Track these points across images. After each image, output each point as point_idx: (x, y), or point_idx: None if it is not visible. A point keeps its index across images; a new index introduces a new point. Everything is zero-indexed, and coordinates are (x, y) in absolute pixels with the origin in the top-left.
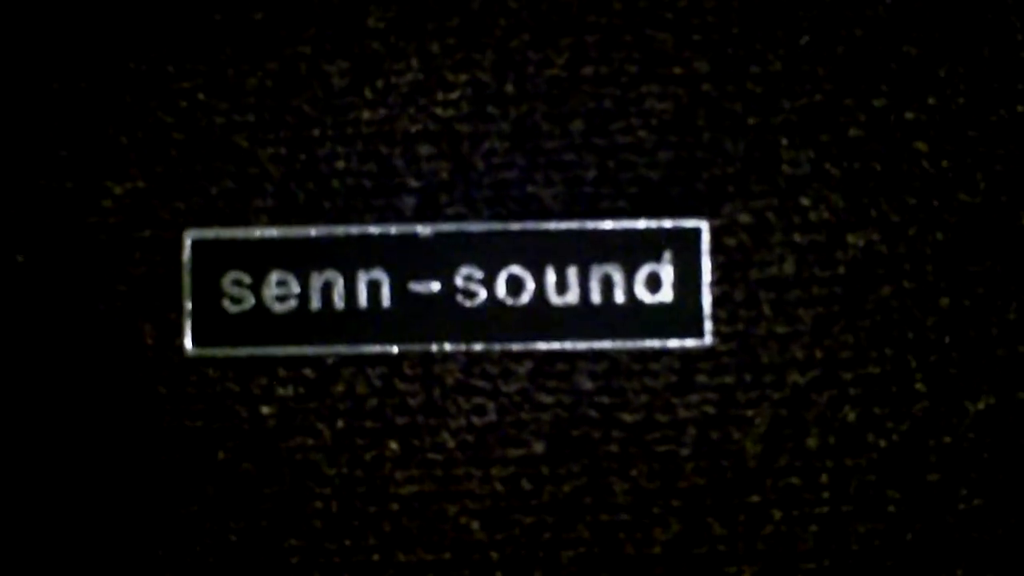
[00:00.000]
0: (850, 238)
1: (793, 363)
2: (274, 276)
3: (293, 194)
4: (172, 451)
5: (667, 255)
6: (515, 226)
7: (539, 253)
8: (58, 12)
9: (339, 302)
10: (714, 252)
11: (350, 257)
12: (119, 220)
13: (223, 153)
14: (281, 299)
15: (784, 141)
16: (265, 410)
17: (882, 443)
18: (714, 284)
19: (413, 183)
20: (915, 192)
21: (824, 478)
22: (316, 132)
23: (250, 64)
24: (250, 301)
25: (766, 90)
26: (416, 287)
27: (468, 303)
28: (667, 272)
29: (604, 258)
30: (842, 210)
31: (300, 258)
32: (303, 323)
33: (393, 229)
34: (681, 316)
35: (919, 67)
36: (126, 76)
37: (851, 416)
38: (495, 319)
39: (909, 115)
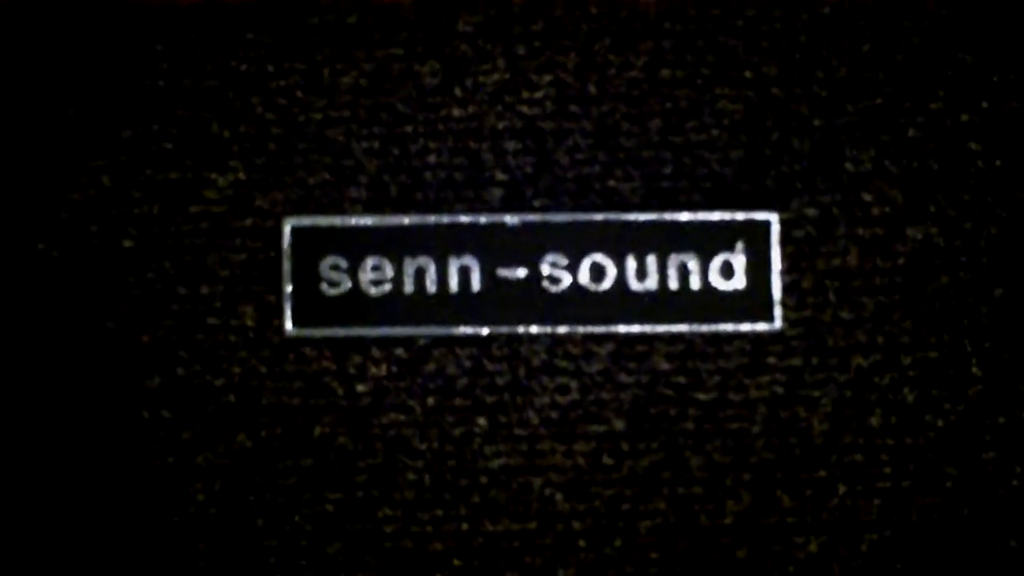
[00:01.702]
0: (909, 231)
1: (857, 347)
2: (370, 261)
3: (387, 185)
4: (271, 427)
5: (740, 245)
6: (598, 217)
7: (620, 242)
8: (163, 12)
9: (431, 286)
10: (783, 243)
11: (442, 244)
12: (222, 209)
13: (320, 147)
14: (376, 283)
15: (847, 141)
16: (360, 388)
17: (940, 423)
18: (783, 273)
19: (500, 176)
20: (970, 189)
21: (885, 455)
22: (408, 128)
23: (345, 64)
24: (347, 285)
25: (830, 93)
26: (504, 273)
27: (553, 288)
28: (740, 261)
29: (681, 247)
30: (901, 205)
31: (394, 244)
32: (397, 306)
33: (482, 218)
34: (752, 302)
35: (974, 73)
36: (228, 74)
37: (911, 397)
38: (578, 303)
39: (964, 117)
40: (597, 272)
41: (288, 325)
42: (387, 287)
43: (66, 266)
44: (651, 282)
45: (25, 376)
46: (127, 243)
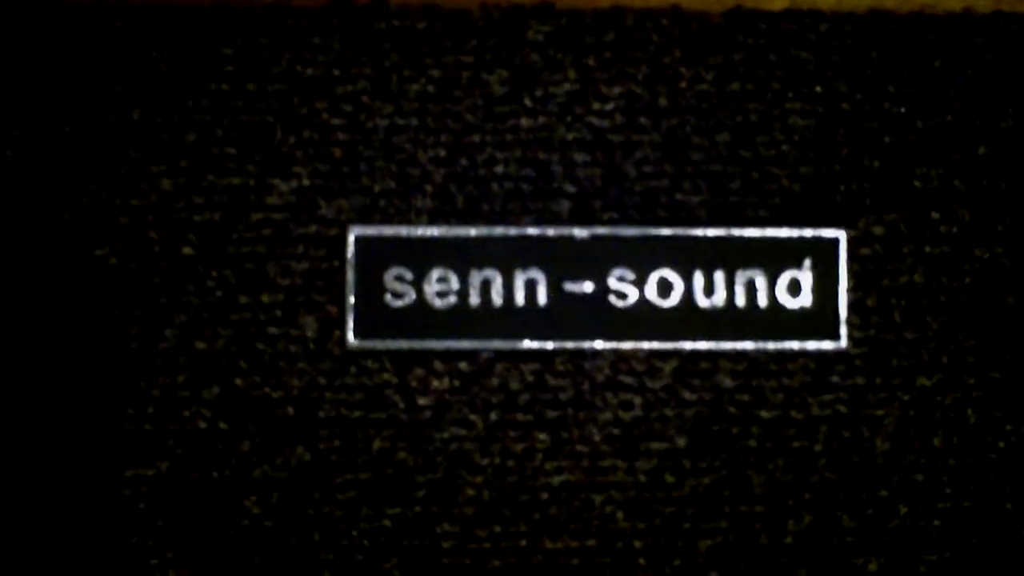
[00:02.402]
0: (976, 251)
1: (921, 367)
2: (435, 273)
3: (453, 195)
4: (330, 440)
5: (807, 262)
6: (666, 231)
7: (688, 257)
8: (229, 15)
9: (497, 299)
10: (850, 260)
11: (508, 256)
12: (284, 217)
13: (385, 154)
14: (441, 295)
15: (916, 158)
16: (421, 402)
17: (1002, 444)
18: (849, 291)
19: (568, 188)
20: None
21: (947, 476)
22: (476, 137)
23: (413, 71)
24: (411, 296)
25: (901, 110)
26: (571, 287)
27: (620, 303)
28: (807, 278)
29: (749, 264)
30: (969, 224)
31: (461, 256)
32: (462, 318)
33: (550, 231)
34: (819, 320)
35: None
36: (294, 79)
37: (973, 418)
38: (644, 319)
39: None
40: (664, 287)
41: (350, 337)
42: (452, 299)
43: (124, 273)
44: (718, 298)
45: (81, 380)
46: (186, 250)
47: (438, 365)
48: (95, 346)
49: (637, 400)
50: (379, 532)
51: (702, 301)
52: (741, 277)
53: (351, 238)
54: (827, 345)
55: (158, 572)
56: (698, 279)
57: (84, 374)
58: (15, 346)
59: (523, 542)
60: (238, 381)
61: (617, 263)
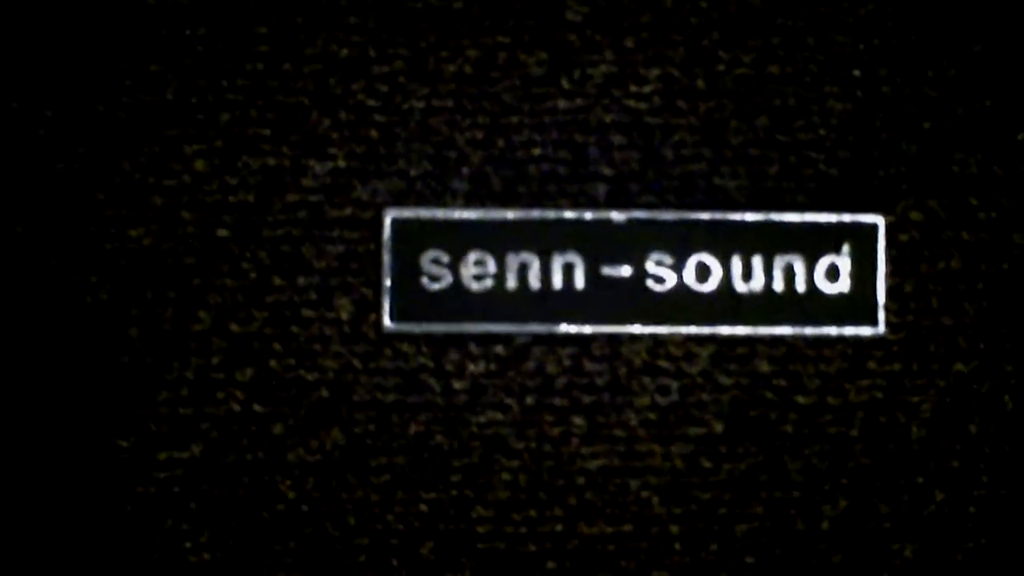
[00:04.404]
0: (1015, 237)
1: (958, 353)
2: (472, 256)
3: (490, 177)
4: (365, 424)
5: (846, 248)
6: (704, 215)
7: (726, 242)
8: (259, 0)
9: (534, 282)
10: (888, 246)
11: (546, 240)
12: (319, 199)
13: (422, 136)
14: (478, 278)
15: (955, 143)
16: (457, 385)
17: None
18: (887, 276)
19: (606, 171)
20: None
21: (983, 463)
22: (514, 119)
23: (450, 51)
24: (448, 279)
25: (940, 94)
26: (608, 270)
27: (657, 287)
28: (845, 263)
29: (787, 248)
30: (1007, 210)
31: (498, 239)
32: (498, 302)
33: (588, 214)
34: (857, 305)
35: None
36: (329, 59)
37: (1010, 404)
38: (682, 303)
39: None
40: (703, 272)
41: (386, 319)
42: (489, 282)
43: (158, 254)
44: (757, 283)
45: (115, 362)
46: (221, 232)
47: (474, 349)
48: (129, 328)
49: (674, 385)
50: (414, 516)
51: (740, 286)
52: (779, 262)
53: (387, 220)
54: (865, 331)
55: (191, 555)
56: (736, 264)
57: (118, 356)
58: (49, 327)
59: (559, 527)
60: (272, 364)
61: (655, 247)
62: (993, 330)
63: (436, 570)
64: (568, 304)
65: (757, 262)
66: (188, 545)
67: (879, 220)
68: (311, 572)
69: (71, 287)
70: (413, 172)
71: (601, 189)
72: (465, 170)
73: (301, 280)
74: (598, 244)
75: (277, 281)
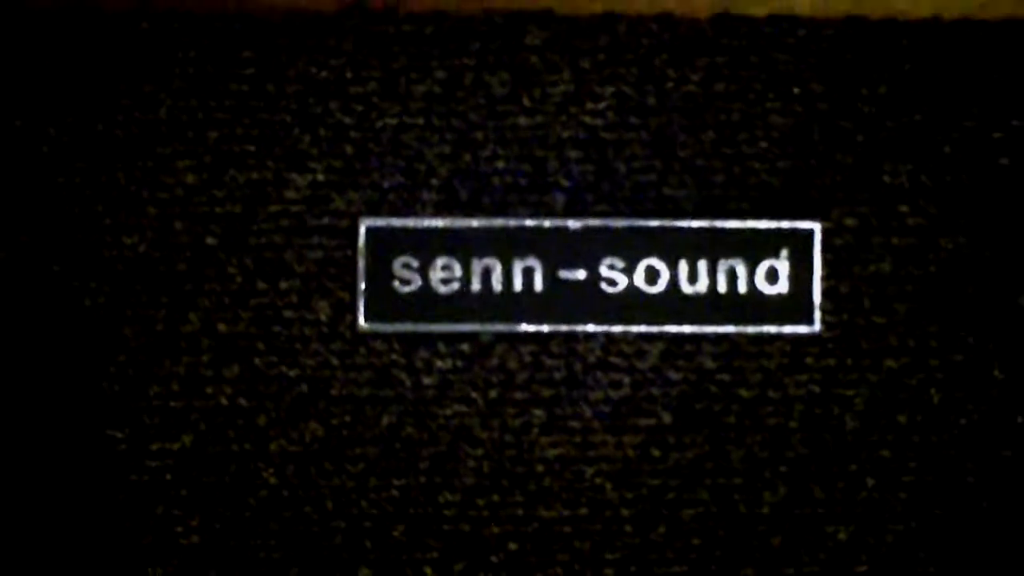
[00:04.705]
0: (941, 242)
1: (889, 350)
2: (440, 261)
3: (456, 189)
4: (341, 416)
5: (784, 252)
6: (653, 223)
7: (673, 247)
8: (248, 22)
9: (497, 285)
10: (824, 250)
11: (507, 246)
12: (300, 209)
13: (394, 151)
14: (446, 281)
15: (886, 155)
16: (426, 380)
17: (963, 422)
18: (823, 279)
19: (563, 182)
20: (1000, 202)
21: (912, 452)
22: (478, 135)
23: (420, 73)
24: (417, 283)
25: (872, 110)
26: (565, 274)
27: (610, 290)
28: (784, 267)
29: (730, 253)
30: (935, 217)
31: (463, 245)
32: (464, 303)
33: (546, 223)
34: (795, 306)
35: (1006, 93)
36: (309, 81)
37: (937, 398)
38: (633, 304)
39: (996, 135)
40: (651, 275)
41: (361, 320)
42: (455, 285)
43: (151, 260)
44: (701, 285)
45: (110, 361)
46: (209, 240)
47: (442, 347)
48: (124, 328)
49: (626, 379)
50: (387, 501)
51: (687, 288)
52: (723, 265)
53: (362, 229)
54: (802, 329)
55: (182, 538)
56: (683, 267)
57: (113, 355)
58: (48, 329)
59: (519, 511)
60: (257, 361)
61: (608, 252)
62: (921, 329)
63: (407, 550)
64: (528, 305)
65: (702, 266)
66: (179, 529)
67: (815, 226)
68: (292, 552)
69: (71, 290)
70: (386, 184)
71: (559, 199)
72: (434, 182)
73: (283, 284)
74: (556, 250)
75: (261, 285)
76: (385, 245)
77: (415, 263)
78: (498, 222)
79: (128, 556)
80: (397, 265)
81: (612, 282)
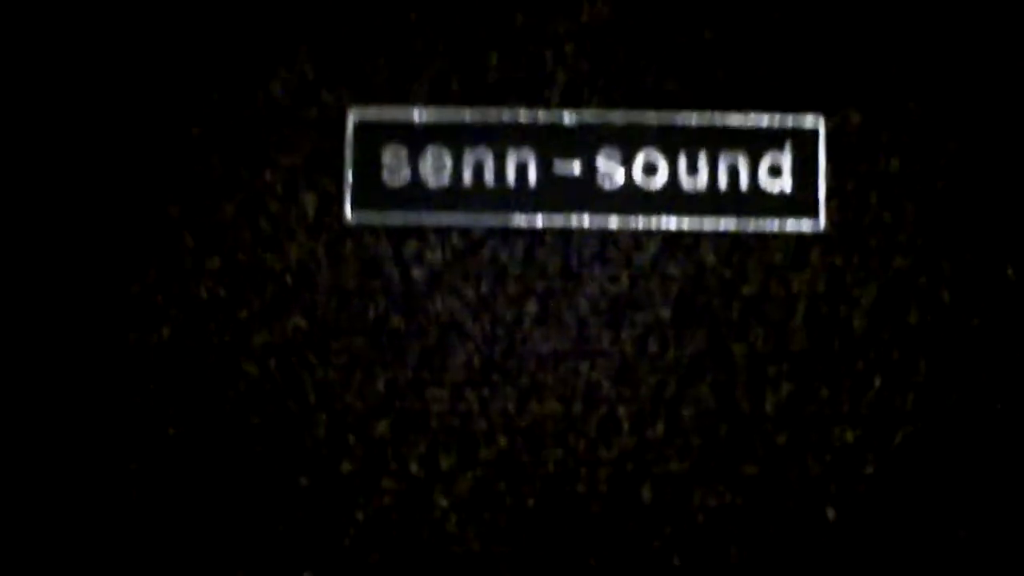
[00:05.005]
0: (951, 141)
1: (897, 248)
2: (430, 152)
3: (449, 79)
4: (326, 309)
5: (788, 146)
6: (651, 115)
7: (672, 140)
8: None
9: (489, 178)
10: (829, 146)
11: (500, 138)
12: (288, 99)
13: (384, 40)
14: (436, 173)
15: (896, 47)
16: (415, 273)
17: (975, 321)
18: (829, 175)
19: (559, 75)
20: (1010, 100)
21: (922, 352)
22: (474, 26)
23: None
24: (407, 175)
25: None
26: (560, 167)
27: (607, 184)
28: (787, 162)
29: (731, 146)
30: (945, 114)
31: (455, 137)
32: (455, 196)
33: (541, 114)
34: (799, 202)
35: None
36: None
37: (947, 297)
38: (630, 198)
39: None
40: (650, 169)
41: (348, 212)
42: (446, 178)
43: (132, 150)
44: (701, 180)
45: (87, 249)
46: (195, 130)
47: (432, 239)
48: (101, 215)
49: (623, 274)
50: (372, 396)
51: (686, 182)
52: (724, 159)
53: (350, 119)
54: (806, 226)
55: (160, 430)
56: (682, 161)
57: (90, 243)
58: (23, 222)
59: (511, 407)
60: (239, 255)
61: (604, 145)
62: (931, 227)
63: (392, 446)
64: (521, 199)
65: (702, 160)
66: (157, 421)
67: (821, 120)
68: (272, 447)
69: (51, 178)
70: (376, 74)
71: (554, 92)
72: (426, 73)
73: (268, 176)
74: (550, 142)
75: (246, 176)
76: (374, 136)
77: (404, 154)
78: (491, 113)
79: (106, 447)
80: (386, 156)
81: (609, 176)
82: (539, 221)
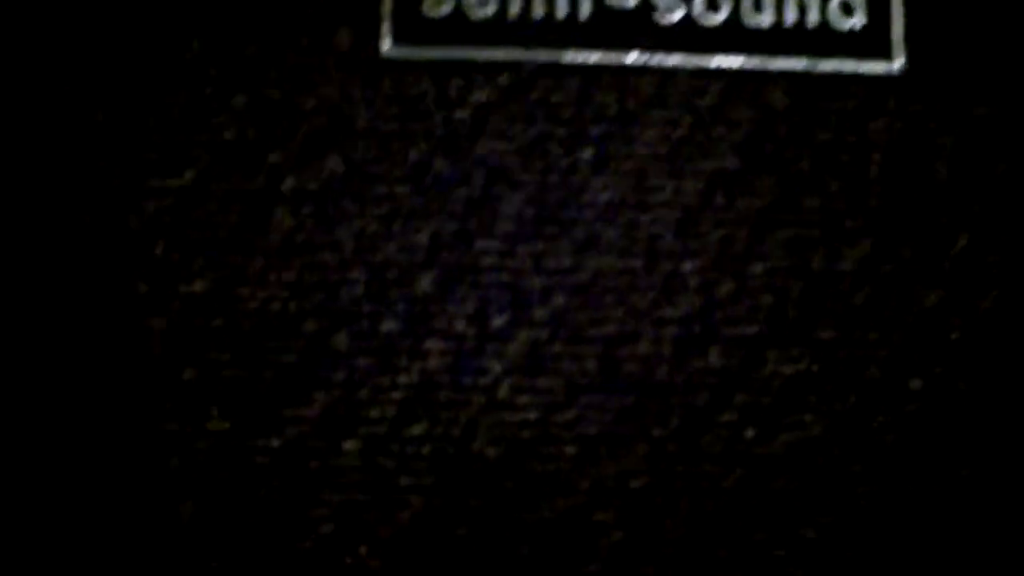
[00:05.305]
0: None
1: (979, 93)
2: None
3: None
4: (364, 151)
5: None
6: None
7: None
8: None
9: (538, 10)
10: None
11: None
12: None
13: None
14: (480, 4)
15: None
16: (459, 114)
17: None
18: (905, 13)
19: None
20: None
21: (1011, 204)
22: None
23: None
24: (450, 5)
25: None
26: (613, 0)
27: (665, 18)
28: None
29: None
30: None
31: None
32: (501, 29)
33: None
34: (873, 41)
35: None
36: None
37: None
38: (690, 35)
39: None
40: (711, 3)
41: (385, 45)
42: (492, 9)
43: None
44: (767, 15)
45: (107, 88)
46: None
47: (477, 76)
48: (117, 51)
49: (685, 118)
50: (414, 247)
51: (750, 18)
52: None
53: None
54: (880, 67)
55: (182, 283)
56: None
57: (110, 83)
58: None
59: (566, 260)
60: (270, 92)
61: None
62: (1015, 72)
63: (435, 301)
64: (573, 33)
65: None
66: (181, 272)
67: None
68: (304, 302)
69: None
70: None
71: None
72: None
73: (298, 5)
74: None
75: (272, 5)
76: None
77: None
78: None
79: (121, 305)
80: None
81: (667, 9)
82: (592, 57)
